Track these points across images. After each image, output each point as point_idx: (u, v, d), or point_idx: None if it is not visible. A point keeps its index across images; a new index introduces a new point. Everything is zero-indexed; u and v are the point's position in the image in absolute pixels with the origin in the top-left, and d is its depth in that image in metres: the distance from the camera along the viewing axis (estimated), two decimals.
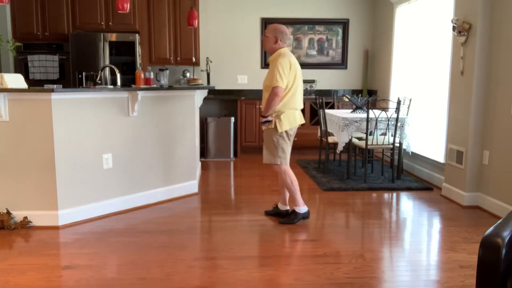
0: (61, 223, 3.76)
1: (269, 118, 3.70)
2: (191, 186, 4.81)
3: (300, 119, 3.85)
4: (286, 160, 3.83)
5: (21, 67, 6.18)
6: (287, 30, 3.80)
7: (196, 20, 5.47)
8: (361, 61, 7.49)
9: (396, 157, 5.44)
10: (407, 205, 4.62)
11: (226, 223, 3.92)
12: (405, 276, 2.95)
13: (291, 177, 3.86)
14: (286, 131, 3.75)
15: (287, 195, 4.01)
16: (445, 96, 4.96)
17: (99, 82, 5.49)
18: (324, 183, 5.17)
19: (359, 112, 5.55)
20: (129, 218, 4.02)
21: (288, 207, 4.03)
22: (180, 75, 6.90)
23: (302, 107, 3.86)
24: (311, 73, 7.28)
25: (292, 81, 3.67)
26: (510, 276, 1.89)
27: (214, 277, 2.87)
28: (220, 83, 6.99)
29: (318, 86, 7.31)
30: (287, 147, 3.81)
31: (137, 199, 4.30)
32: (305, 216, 3.90)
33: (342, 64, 7.45)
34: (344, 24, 7.35)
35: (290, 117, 3.73)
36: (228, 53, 7.19)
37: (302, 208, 3.88)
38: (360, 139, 5.69)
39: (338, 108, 6.81)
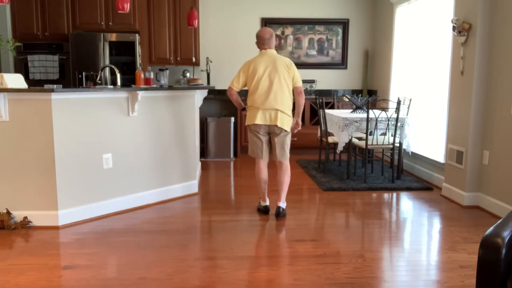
0: (61, 223, 3.76)
1: (245, 112, 4.18)
2: (191, 186, 4.81)
3: (262, 119, 3.96)
4: (255, 154, 4.12)
5: (21, 67, 6.18)
6: (263, 31, 4.03)
7: (196, 20, 5.48)
8: (361, 61, 7.49)
9: (396, 157, 5.44)
10: (407, 205, 4.62)
11: (226, 223, 3.92)
12: (405, 276, 2.95)
13: (256, 173, 4.16)
14: (249, 127, 4.07)
15: (282, 190, 4.19)
16: (445, 96, 4.96)
17: (99, 82, 5.49)
18: (324, 183, 5.18)
19: (359, 112, 5.55)
20: (129, 218, 4.03)
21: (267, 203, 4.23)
22: (180, 75, 6.90)
23: (269, 107, 3.94)
24: (311, 73, 7.28)
25: (251, 82, 3.99)
26: (510, 276, 1.89)
27: (214, 277, 2.87)
28: (220, 83, 6.98)
29: (318, 86, 7.31)
30: (253, 142, 4.10)
31: (137, 199, 4.31)
32: (261, 209, 4.19)
33: (342, 64, 7.45)
34: (344, 24, 7.35)
35: (251, 114, 4.03)
36: (228, 53, 7.18)
37: (261, 202, 4.22)
38: (360, 139, 5.69)
39: (338, 108, 6.81)
